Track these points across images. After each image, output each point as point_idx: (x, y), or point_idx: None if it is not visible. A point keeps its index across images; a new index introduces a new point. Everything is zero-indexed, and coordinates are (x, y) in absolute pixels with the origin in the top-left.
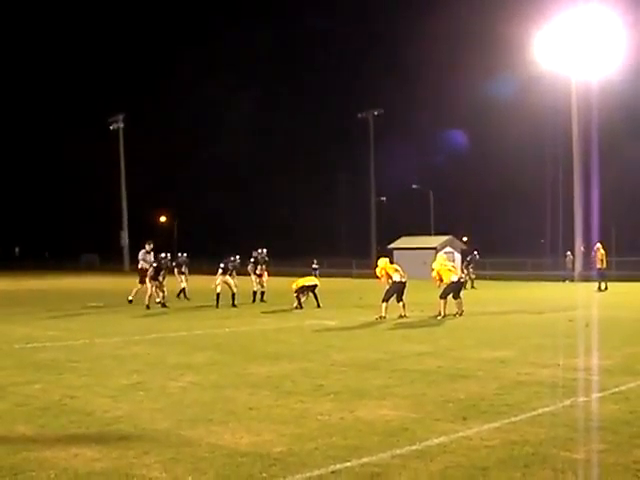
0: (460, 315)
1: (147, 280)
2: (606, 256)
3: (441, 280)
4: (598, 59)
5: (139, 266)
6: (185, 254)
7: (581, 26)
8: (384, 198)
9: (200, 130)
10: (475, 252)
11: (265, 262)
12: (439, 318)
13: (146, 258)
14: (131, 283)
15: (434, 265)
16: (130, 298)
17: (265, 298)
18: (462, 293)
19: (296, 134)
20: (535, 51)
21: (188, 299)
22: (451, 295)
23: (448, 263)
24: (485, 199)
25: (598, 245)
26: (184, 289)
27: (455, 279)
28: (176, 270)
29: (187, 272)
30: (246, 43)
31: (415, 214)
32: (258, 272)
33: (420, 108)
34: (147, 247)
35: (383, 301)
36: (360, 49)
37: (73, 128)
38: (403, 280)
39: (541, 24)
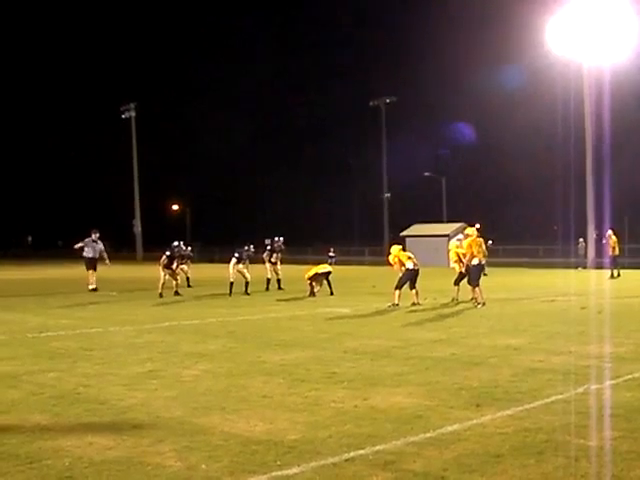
0: (483, 304)
1: (160, 268)
2: (619, 243)
3: (462, 262)
4: (611, 45)
5: (82, 254)
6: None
7: (593, 12)
8: (388, 195)
9: (213, 118)
10: (490, 241)
11: (281, 250)
12: (479, 306)
13: (90, 246)
14: (145, 271)
15: (455, 244)
16: (92, 287)
17: (282, 286)
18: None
19: (309, 120)
20: (548, 37)
21: (190, 287)
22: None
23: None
24: (497, 186)
25: (609, 232)
26: (188, 278)
27: (476, 262)
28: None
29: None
30: (258, 28)
31: (427, 202)
32: (273, 260)
33: (432, 97)
34: (93, 236)
35: (396, 288)
36: (371, 39)
37: (86, 117)
38: (416, 268)
39: (554, 10)
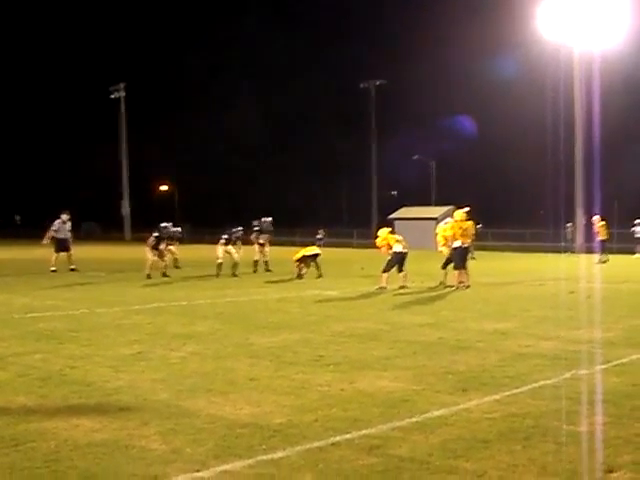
0: (467, 287)
1: (148, 249)
2: (607, 228)
3: (454, 239)
4: (601, 31)
5: (51, 234)
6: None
7: None
8: (395, 192)
9: (201, 99)
10: (479, 225)
11: (270, 231)
12: (457, 288)
13: (60, 228)
14: (133, 252)
15: (443, 227)
16: (52, 268)
17: (270, 267)
18: (468, 263)
19: (296, 102)
20: (538, 23)
21: (178, 267)
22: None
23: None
24: (486, 170)
25: (596, 217)
26: (176, 259)
27: (458, 244)
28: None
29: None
30: (246, 11)
31: (416, 185)
32: (261, 241)
33: (422, 84)
34: (63, 217)
35: (384, 271)
36: (362, 24)
37: (75, 96)
38: (404, 251)
39: None
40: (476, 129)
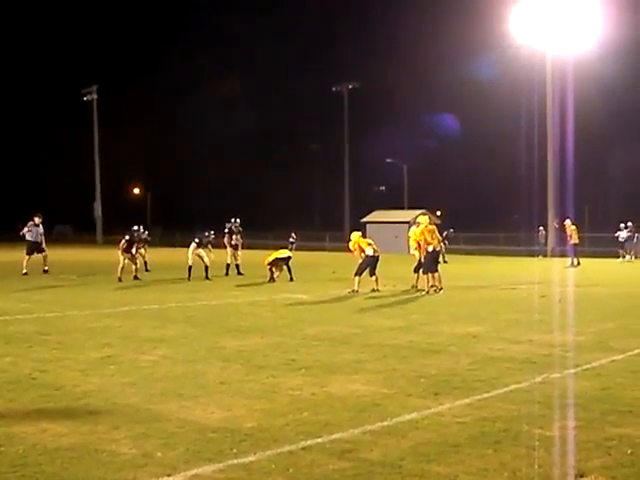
0: (439, 290)
1: (119, 253)
2: (578, 231)
3: (427, 244)
4: (574, 35)
5: (26, 237)
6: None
7: (556, 1)
8: (383, 187)
9: (174, 101)
10: (452, 229)
11: (239, 232)
12: (423, 294)
13: (32, 230)
14: (105, 255)
15: (415, 232)
16: (24, 271)
17: (242, 271)
18: (439, 267)
19: (269, 104)
20: (512, 27)
21: (148, 271)
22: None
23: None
24: (459, 174)
25: (567, 221)
26: (146, 262)
27: (431, 249)
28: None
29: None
30: (220, 12)
31: (389, 188)
32: (233, 242)
33: (397, 85)
34: (36, 220)
35: (355, 275)
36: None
37: (47, 98)
38: (376, 254)
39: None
40: (457, 127)
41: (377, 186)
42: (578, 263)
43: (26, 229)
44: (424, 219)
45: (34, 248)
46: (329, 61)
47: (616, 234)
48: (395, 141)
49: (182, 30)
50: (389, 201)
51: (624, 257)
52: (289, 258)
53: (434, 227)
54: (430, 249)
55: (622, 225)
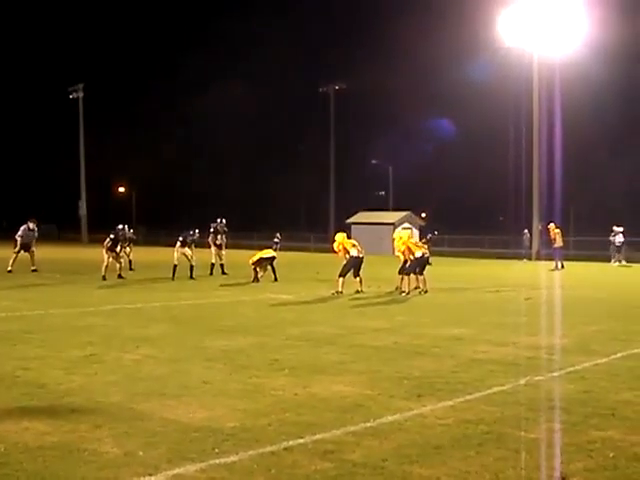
0: (425, 292)
1: (104, 251)
2: (562, 235)
3: (411, 253)
4: (561, 36)
5: (18, 240)
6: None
7: (544, 4)
8: (383, 192)
9: (159, 100)
10: (435, 232)
11: (225, 232)
12: (403, 295)
13: (25, 235)
14: (89, 253)
15: (400, 234)
16: (9, 268)
17: (226, 270)
18: (425, 270)
19: (254, 103)
20: (499, 30)
21: (132, 270)
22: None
23: (413, 238)
24: (445, 176)
25: (551, 225)
26: (130, 261)
27: (420, 254)
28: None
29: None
30: (205, 11)
31: (374, 190)
32: (218, 242)
33: (388, 87)
34: (31, 225)
35: (340, 276)
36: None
37: (33, 96)
38: (360, 255)
39: (506, 2)
40: (452, 130)
41: (376, 190)
42: (562, 266)
43: (20, 233)
44: (405, 234)
45: (22, 247)
46: (318, 62)
47: (612, 238)
48: (383, 143)
49: (168, 29)
50: (373, 202)
51: (620, 261)
52: (273, 258)
53: (409, 232)
54: (419, 254)
55: (617, 229)
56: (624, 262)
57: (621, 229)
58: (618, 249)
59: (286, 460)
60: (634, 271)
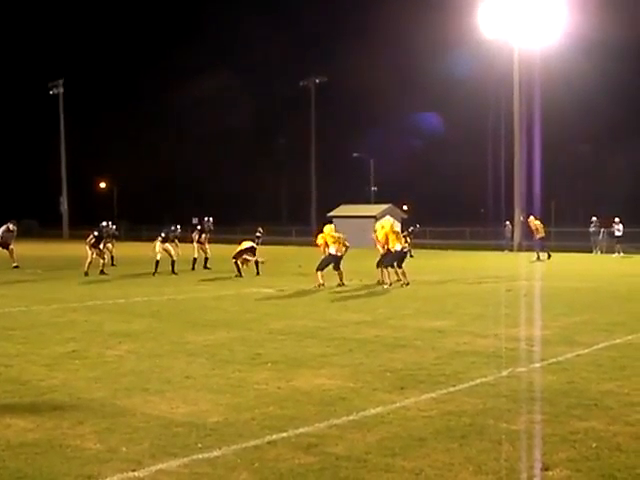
0: (406, 285)
1: (87, 247)
2: (544, 225)
3: (387, 244)
4: (542, 29)
5: None
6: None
7: None
8: (375, 188)
9: (140, 95)
10: (417, 225)
11: (210, 230)
12: (385, 287)
13: (4, 236)
14: (71, 249)
15: (383, 224)
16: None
17: (209, 265)
18: (404, 263)
19: (236, 99)
20: (480, 22)
21: (114, 265)
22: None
23: (396, 228)
24: (426, 168)
25: (530, 218)
26: (112, 257)
27: (399, 248)
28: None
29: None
30: (184, 8)
31: (356, 182)
32: (202, 240)
33: (364, 79)
34: (11, 226)
35: (317, 270)
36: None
37: (13, 92)
38: (338, 254)
39: None
40: (439, 124)
41: (358, 184)
42: (549, 256)
43: (1, 235)
44: (388, 224)
45: (1, 245)
46: (298, 58)
47: (611, 229)
48: (365, 136)
49: (149, 24)
50: (355, 195)
51: (619, 252)
52: (253, 248)
53: (397, 230)
54: (398, 248)
55: (617, 219)
56: (622, 253)
57: (620, 220)
58: (618, 240)
59: (269, 454)
60: (615, 261)
